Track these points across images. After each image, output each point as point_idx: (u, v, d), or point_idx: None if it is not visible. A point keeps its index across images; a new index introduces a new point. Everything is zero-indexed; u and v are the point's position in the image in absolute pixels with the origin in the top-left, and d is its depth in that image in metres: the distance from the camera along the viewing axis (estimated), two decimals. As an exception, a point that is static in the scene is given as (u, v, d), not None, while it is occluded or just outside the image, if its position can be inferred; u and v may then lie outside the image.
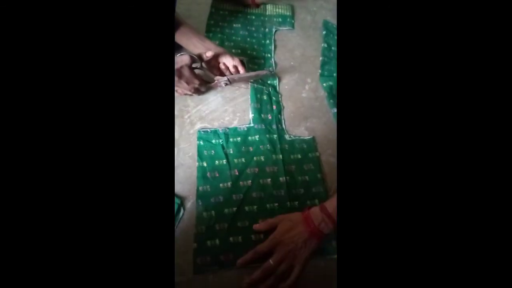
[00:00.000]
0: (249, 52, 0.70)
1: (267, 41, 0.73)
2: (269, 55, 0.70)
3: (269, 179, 0.51)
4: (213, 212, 0.47)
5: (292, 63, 0.69)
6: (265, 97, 0.62)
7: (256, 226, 0.46)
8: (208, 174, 0.50)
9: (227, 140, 0.55)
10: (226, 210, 0.47)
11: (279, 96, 0.63)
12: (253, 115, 0.58)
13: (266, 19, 0.78)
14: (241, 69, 0.61)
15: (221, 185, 0.50)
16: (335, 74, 0.67)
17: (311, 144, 0.56)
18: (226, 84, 0.60)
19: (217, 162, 0.52)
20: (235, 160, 0.52)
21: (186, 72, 0.54)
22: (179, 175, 0.50)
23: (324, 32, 0.75)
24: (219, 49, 0.60)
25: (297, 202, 0.49)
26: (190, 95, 0.59)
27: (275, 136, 0.56)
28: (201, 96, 0.60)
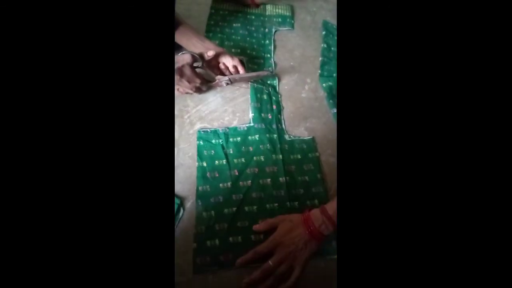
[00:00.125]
0: (248, 52, 0.70)
1: (267, 41, 0.73)
2: (268, 55, 0.70)
3: (269, 179, 0.51)
4: (212, 212, 0.47)
5: (291, 63, 0.69)
6: (265, 96, 0.62)
7: (256, 227, 0.45)
8: (208, 174, 0.50)
9: (227, 140, 0.55)
10: (226, 210, 0.47)
11: (279, 96, 0.63)
12: (253, 114, 0.58)
13: (266, 19, 0.78)
14: (240, 69, 0.61)
15: (221, 185, 0.50)
16: (334, 75, 0.67)
17: (311, 144, 0.56)
18: (227, 84, 0.61)
19: (217, 162, 0.52)
20: (235, 160, 0.52)
21: (187, 71, 0.54)
22: (179, 175, 0.50)
23: (323, 33, 0.75)
24: (219, 49, 0.60)
25: (297, 203, 0.49)
26: (191, 94, 0.59)
27: (275, 135, 0.56)
28: (200, 96, 0.60)
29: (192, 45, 0.60)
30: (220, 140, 0.54)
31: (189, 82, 0.55)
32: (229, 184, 0.50)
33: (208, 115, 0.58)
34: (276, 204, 0.49)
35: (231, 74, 0.61)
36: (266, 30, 0.75)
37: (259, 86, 0.63)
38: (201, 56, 0.57)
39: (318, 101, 0.63)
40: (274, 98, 0.62)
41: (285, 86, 0.65)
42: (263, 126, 0.57)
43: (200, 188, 0.49)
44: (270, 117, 0.59)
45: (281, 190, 0.50)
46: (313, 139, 0.57)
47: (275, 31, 0.75)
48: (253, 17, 0.78)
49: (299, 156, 0.54)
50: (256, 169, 0.52)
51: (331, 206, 0.43)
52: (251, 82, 0.63)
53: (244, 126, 0.57)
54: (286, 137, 0.57)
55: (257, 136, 0.56)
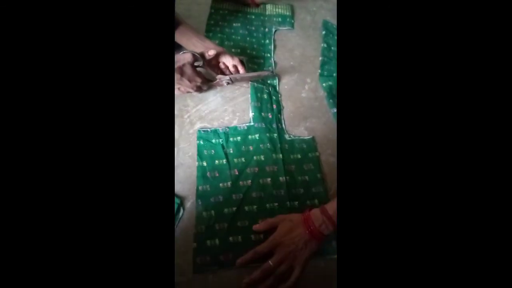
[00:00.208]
0: (248, 51, 0.70)
1: (267, 41, 0.73)
2: (268, 55, 0.70)
3: (269, 179, 0.51)
4: (213, 212, 0.47)
5: (291, 63, 0.69)
6: (265, 96, 0.62)
7: (256, 227, 0.45)
8: (208, 174, 0.50)
9: (227, 140, 0.55)
10: (226, 210, 0.47)
11: (279, 95, 0.63)
12: (253, 113, 0.58)
13: (266, 19, 0.78)
14: (240, 69, 0.61)
15: (221, 184, 0.50)
16: (334, 74, 0.67)
17: (311, 144, 0.56)
18: (228, 83, 0.61)
19: (217, 161, 0.52)
20: (235, 160, 0.52)
21: (188, 70, 0.54)
22: (179, 175, 0.50)
23: (323, 32, 0.75)
24: (219, 49, 0.60)
25: (297, 202, 0.49)
26: (192, 93, 0.59)
27: (275, 135, 0.56)
28: (200, 96, 0.60)
29: (192, 44, 0.60)
30: (220, 140, 0.54)
31: (190, 81, 0.55)
32: (229, 183, 0.50)
33: (208, 115, 0.58)
34: (276, 204, 0.49)
35: (231, 73, 0.61)
36: (266, 29, 0.75)
37: (259, 85, 0.63)
38: (202, 55, 0.57)
39: (318, 100, 0.63)
40: (274, 97, 0.62)
41: (285, 85, 0.65)
42: (263, 125, 0.57)
43: (200, 187, 0.49)
44: (270, 116, 0.59)
45: (281, 190, 0.50)
46: (313, 138, 0.57)
47: (275, 31, 0.75)
48: (253, 16, 0.78)
49: (299, 156, 0.54)
50: (256, 169, 0.52)
51: (331, 206, 0.43)
52: (251, 81, 0.63)
53: (244, 126, 0.57)
54: (286, 136, 0.57)
55: (257, 135, 0.56)
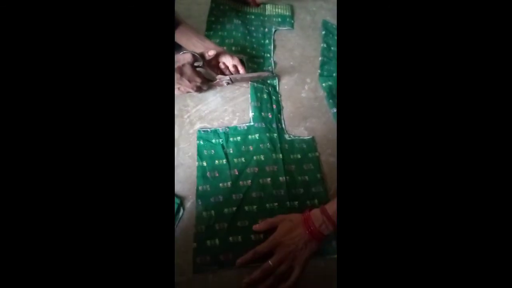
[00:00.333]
0: (248, 51, 0.70)
1: (267, 41, 0.73)
2: (268, 55, 0.70)
3: (269, 179, 0.51)
4: (212, 212, 0.47)
5: (291, 63, 0.69)
6: (265, 96, 0.62)
7: (255, 227, 0.45)
8: (208, 174, 0.50)
9: (227, 140, 0.55)
10: (226, 210, 0.47)
11: (279, 95, 0.63)
12: (253, 113, 0.58)
13: (266, 19, 0.78)
14: (240, 69, 0.61)
15: (221, 184, 0.50)
16: (334, 74, 0.67)
17: (311, 144, 0.56)
18: (228, 83, 0.61)
19: (217, 161, 0.52)
20: (235, 160, 0.52)
21: (188, 70, 0.54)
22: (179, 175, 0.50)
23: (323, 32, 0.75)
24: (219, 49, 0.60)
25: (296, 202, 0.49)
26: (192, 93, 0.59)
27: (275, 135, 0.56)
28: (200, 96, 0.60)
29: (192, 44, 0.60)
30: (220, 140, 0.54)
31: (189, 81, 0.55)
32: (229, 183, 0.50)
33: (208, 115, 0.58)
34: (276, 204, 0.49)
35: (231, 73, 0.61)
36: (266, 29, 0.75)
37: (259, 85, 0.63)
38: (202, 55, 0.57)
39: (318, 101, 0.63)
40: (274, 97, 0.62)
41: (285, 85, 0.65)
42: (263, 125, 0.57)
43: (200, 187, 0.49)
44: (270, 116, 0.59)
45: (281, 190, 0.50)
46: (313, 138, 0.57)
47: (275, 31, 0.75)
48: (253, 17, 0.78)
49: (299, 156, 0.54)
50: (256, 169, 0.52)
51: (331, 206, 0.43)
52: (251, 81, 0.63)
53: (244, 126, 0.57)
54: (286, 136, 0.57)
55: (257, 135, 0.56)
